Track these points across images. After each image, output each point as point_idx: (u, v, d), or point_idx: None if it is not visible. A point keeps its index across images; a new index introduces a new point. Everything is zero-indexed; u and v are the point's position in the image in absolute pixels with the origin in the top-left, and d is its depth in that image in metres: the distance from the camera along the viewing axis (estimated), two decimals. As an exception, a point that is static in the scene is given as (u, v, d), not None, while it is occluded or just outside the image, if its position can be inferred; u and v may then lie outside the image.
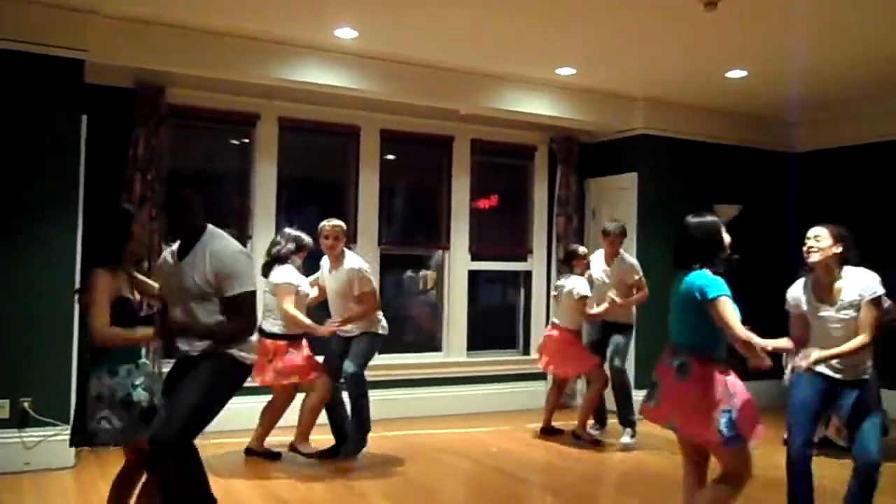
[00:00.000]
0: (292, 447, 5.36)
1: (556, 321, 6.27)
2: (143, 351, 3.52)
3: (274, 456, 5.38)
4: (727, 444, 3.23)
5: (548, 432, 6.36)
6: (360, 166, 6.92)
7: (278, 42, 5.85)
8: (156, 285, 3.75)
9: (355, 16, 5.41)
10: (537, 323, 7.62)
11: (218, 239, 3.41)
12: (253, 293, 3.40)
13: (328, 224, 5.32)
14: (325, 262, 5.53)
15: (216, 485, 4.50)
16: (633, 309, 6.29)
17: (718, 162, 7.78)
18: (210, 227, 3.44)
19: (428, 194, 7.65)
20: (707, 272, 3.40)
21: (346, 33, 5.67)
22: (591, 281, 6.19)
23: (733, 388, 3.29)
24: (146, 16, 5.37)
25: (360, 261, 5.41)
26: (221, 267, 3.30)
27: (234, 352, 3.36)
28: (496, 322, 8.04)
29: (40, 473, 4.86)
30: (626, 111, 7.44)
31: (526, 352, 7.68)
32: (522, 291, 7.87)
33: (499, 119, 7.24)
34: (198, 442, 3.30)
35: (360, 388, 5.27)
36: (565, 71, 6.59)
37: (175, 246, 3.50)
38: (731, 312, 3.29)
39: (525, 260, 7.82)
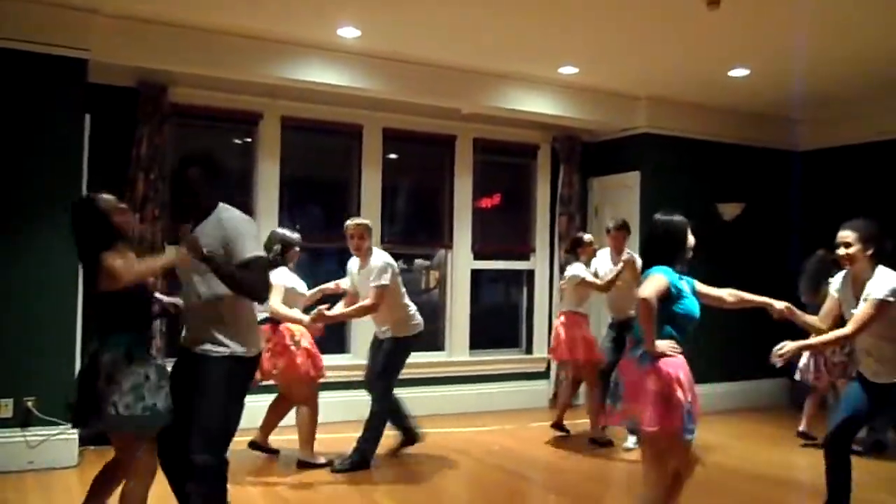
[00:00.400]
0: (301, 463, 5.21)
1: (563, 308, 6.27)
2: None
3: (272, 452, 5.41)
4: (686, 434, 3.28)
5: (559, 428, 6.33)
6: (363, 165, 6.93)
7: (281, 41, 5.85)
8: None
9: (358, 15, 5.41)
10: (540, 322, 7.62)
11: (225, 210, 3.31)
12: (265, 259, 3.31)
13: (352, 223, 5.25)
14: (352, 263, 5.40)
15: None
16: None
17: (721, 160, 7.77)
18: (221, 204, 3.33)
19: (430, 193, 7.65)
20: (668, 269, 3.44)
21: (348, 32, 5.67)
22: (596, 276, 6.17)
23: (688, 379, 3.35)
24: (148, 15, 5.38)
25: (388, 257, 5.27)
26: (229, 233, 3.20)
27: (235, 348, 3.25)
28: (499, 321, 8.04)
29: (44, 472, 4.87)
30: (628, 110, 7.44)
31: (528, 351, 7.68)
32: (525, 290, 7.87)
33: (501, 118, 7.24)
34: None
35: (380, 403, 5.22)
36: (568, 70, 6.59)
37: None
38: (648, 282, 3.38)
39: (528, 259, 7.82)
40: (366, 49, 6.07)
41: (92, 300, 3.40)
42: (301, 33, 5.78)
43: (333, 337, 6.32)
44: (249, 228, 3.29)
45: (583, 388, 6.43)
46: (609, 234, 6.27)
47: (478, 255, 7.51)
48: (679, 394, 3.27)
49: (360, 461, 5.13)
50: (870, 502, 4.51)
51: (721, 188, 7.66)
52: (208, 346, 3.24)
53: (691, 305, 3.45)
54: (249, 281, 3.20)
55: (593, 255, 6.27)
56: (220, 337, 3.23)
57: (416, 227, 7.64)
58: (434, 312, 7.32)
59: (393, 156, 7.15)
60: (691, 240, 3.56)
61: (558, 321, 6.29)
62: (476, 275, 7.56)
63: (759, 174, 7.98)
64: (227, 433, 3.25)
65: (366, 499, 4.67)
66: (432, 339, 7.20)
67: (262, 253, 3.28)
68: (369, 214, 6.88)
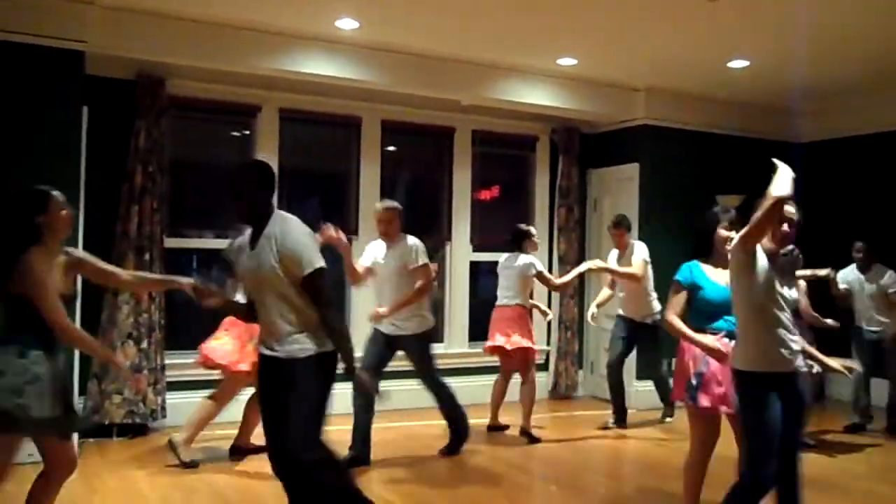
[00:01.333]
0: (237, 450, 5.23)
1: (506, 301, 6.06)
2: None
3: (262, 450, 5.38)
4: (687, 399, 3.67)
5: (495, 429, 6.26)
6: (362, 157, 6.92)
7: (279, 33, 5.84)
8: (116, 270, 3.73)
9: (356, 6, 5.40)
10: (538, 314, 7.61)
11: (284, 221, 3.27)
12: (325, 268, 3.23)
13: (381, 206, 5.27)
14: (371, 246, 5.38)
15: (206, 484, 4.53)
16: (652, 304, 6.29)
17: (721, 152, 7.76)
18: (278, 212, 3.32)
19: (429, 185, 7.64)
20: (696, 262, 3.77)
21: (346, 24, 5.66)
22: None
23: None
24: (145, 6, 5.36)
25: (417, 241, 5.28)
26: (291, 249, 3.17)
27: (314, 347, 3.22)
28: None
29: (32, 467, 4.86)
30: (627, 101, 7.43)
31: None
32: (524, 282, 7.85)
33: (500, 110, 7.22)
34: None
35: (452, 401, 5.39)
36: (566, 61, 6.58)
37: (245, 236, 3.37)
38: (670, 297, 3.73)
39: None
40: (364, 41, 6.05)
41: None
42: (299, 25, 5.76)
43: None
44: (309, 241, 3.26)
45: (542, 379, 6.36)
46: (609, 232, 6.36)
47: (477, 248, 7.51)
48: (683, 363, 3.70)
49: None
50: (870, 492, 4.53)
51: (721, 180, 7.64)
52: (295, 351, 3.23)
53: (710, 294, 3.67)
54: (337, 324, 3.26)
55: (536, 249, 6.19)
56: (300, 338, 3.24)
57: (414, 220, 7.59)
58: (433, 305, 7.28)
59: (392, 148, 7.14)
60: (723, 233, 3.77)
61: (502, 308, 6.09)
62: (475, 267, 7.56)
63: (759, 166, 7.92)
64: (319, 427, 3.27)
65: (367, 492, 4.68)
66: (431, 331, 7.18)
67: (322, 264, 3.23)
68: (368, 207, 6.87)
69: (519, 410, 6.03)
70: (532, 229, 6.23)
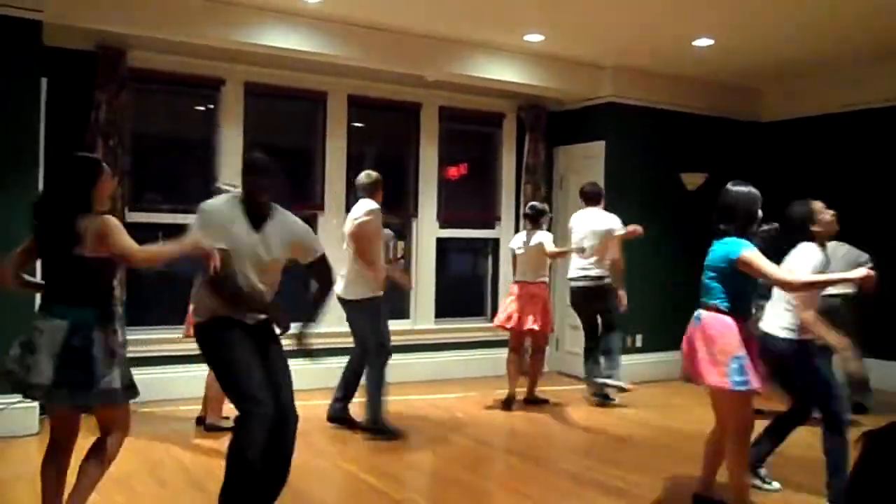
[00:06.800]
0: (202, 421, 5.27)
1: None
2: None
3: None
4: (735, 389, 3.51)
5: (530, 402, 6.39)
6: (328, 132, 6.87)
7: (243, 4, 5.76)
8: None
9: (321, -21, 5.33)
10: (505, 290, 7.65)
11: (284, 213, 3.54)
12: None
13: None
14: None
15: (171, 458, 4.53)
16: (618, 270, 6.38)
17: (685, 130, 7.84)
18: (273, 204, 3.53)
19: (396, 161, 7.61)
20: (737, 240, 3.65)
21: (311, -4, 5.59)
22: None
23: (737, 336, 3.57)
24: (106, -24, 5.26)
25: (368, 206, 5.22)
26: (300, 236, 3.55)
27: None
28: (464, 290, 8.07)
29: (4, 441, 4.83)
30: (593, 79, 7.45)
31: (493, 319, 7.72)
32: (490, 259, 7.91)
33: (467, 86, 7.21)
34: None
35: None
36: (533, 37, 6.57)
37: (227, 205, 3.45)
38: (762, 261, 3.54)
39: (493, 227, 7.85)
40: (329, 14, 5.99)
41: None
42: (263, -3, 5.68)
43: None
44: (310, 229, 3.71)
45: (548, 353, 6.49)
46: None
47: (443, 224, 7.52)
48: (721, 349, 3.53)
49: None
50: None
51: (685, 158, 7.72)
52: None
53: None
54: (330, 286, 3.73)
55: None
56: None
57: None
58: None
59: (358, 124, 7.10)
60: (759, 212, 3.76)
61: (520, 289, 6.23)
62: (442, 244, 7.57)
63: (723, 144, 8.06)
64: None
65: (329, 463, 4.71)
66: (398, 307, 7.23)
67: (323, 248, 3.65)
68: (334, 182, 6.86)
69: (488, 385, 6.06)
70: (546, 207, 6.47)
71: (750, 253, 3.54)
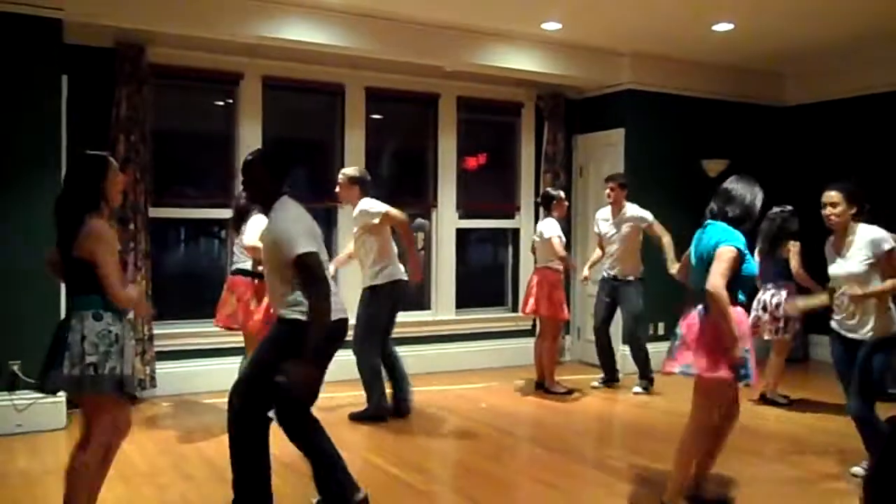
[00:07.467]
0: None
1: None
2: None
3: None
4: (740, 380, 3.49)
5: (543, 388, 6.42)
6: (346, 125, 6.87)
7: (260, -1, 5.76)
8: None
9: (337, -29, 5.32)
10: (525, 280, 7.64)
11: (281, 208, 3.45)
12: (314, 255, 3.32)
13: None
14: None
15: (196, 452, 4.57)
16: (639, 261, 6.42)
17: (706, 116, 7.76)
18: (283, 198, 3.48)
19: (415, 153, 7.61)
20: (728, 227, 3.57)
21: (328, -11, 5.59)
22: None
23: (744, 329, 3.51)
24: (124, -27, 5.28)
25: (371, 204, 5.31)
26: (277, 235, 3.38)
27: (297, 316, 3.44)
28: (485, 280, 8.07)
29: (33, 435, 4.90)
30: (612, 66, 7.39)
31: (514, 309, 7.71)
32: (510, 249, 7.89)
33: (485, 76, 7.17)
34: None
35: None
36: (551, 26, 6.53)
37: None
38: (719, 263, 3.42)
39: (513, 217, 7.82)
40: (347, 6, 5.98)
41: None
42: (281, -10, 5.69)
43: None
44: (296, 227, 3.37)
45: (567, 342, 6.50)
46: (607, 187, 6.47)
47: (463, 215, 7.51)
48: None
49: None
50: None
51: (706, 144, 7.64)
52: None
53: (752, 265, 3.62)
54: (318, 309, 3.30)
55: (563, 212, 6.36)
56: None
57: (400, 187, 7.61)
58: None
59: (377, 116, 7.09)
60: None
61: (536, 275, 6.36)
62: (462, 234, 7.56)
63: (744, 130, 7.98)
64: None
65: (354, 456, 4.72)
66: (419, 298, 7.24)
67: (309, 249, 3.31)
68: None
69: (510, 375, 6.07)
70: (560, 193, 6.46)
71: (726, 248, 3.44)
